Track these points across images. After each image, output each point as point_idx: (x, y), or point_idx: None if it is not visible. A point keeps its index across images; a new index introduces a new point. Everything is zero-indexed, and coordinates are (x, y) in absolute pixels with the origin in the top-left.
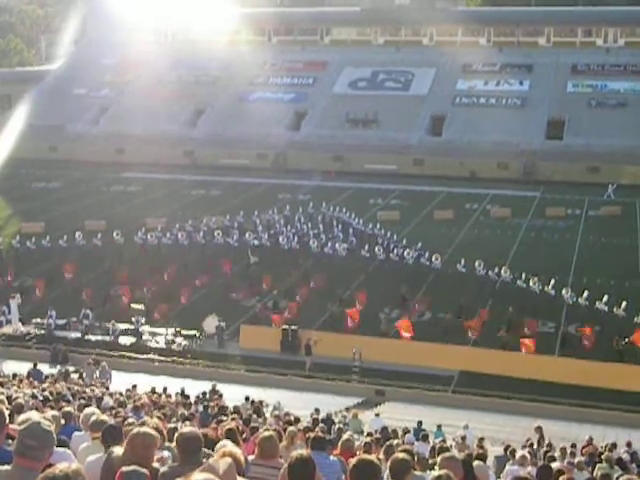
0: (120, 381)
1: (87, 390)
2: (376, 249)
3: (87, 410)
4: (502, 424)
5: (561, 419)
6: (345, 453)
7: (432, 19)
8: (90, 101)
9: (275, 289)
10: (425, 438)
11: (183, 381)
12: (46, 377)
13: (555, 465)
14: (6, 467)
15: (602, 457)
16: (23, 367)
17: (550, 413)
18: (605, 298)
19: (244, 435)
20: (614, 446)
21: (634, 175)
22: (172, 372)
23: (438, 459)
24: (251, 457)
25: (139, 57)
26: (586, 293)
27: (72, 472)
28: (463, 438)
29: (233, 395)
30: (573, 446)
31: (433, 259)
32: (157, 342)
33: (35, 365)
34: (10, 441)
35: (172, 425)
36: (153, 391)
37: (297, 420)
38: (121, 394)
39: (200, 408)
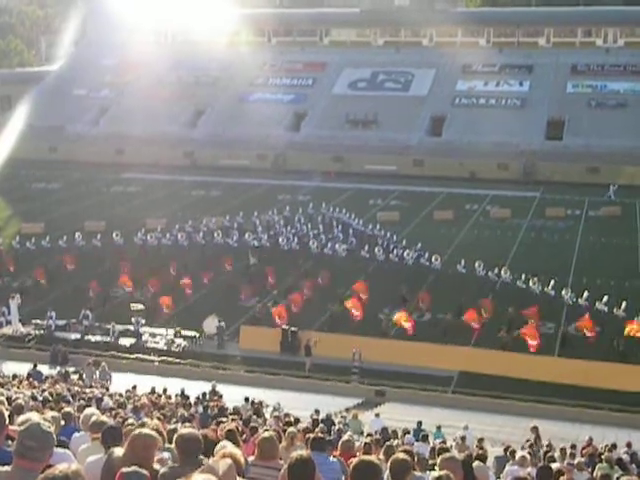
0: (120, 382)
1: (87, 391)
2: (376, 250)
3: (87, 411)
4: (502, 425)
5: (561, 419)
6: (345, 454)
7: (432, 20)
8: (90, 102)
9: (275, 289)
10: (425, 439)
11: (183, 382)
12: (46, 378)
13: (555, 466)
14: (6, 468)
15: (602, 458)
16: (23, 368)
17: (550, 413)
18: (605, 299)
19: (244, 436)
20: (614, 447)
21: (634, 175)
22: (172, 373)
23: (438, 460)
24: (251, 458)
25: (139, 58)
26: (586, 293)
27: (72, 473)
28: (463, 439)
29: (233, 396)
30: (573, 447)
31: (433, 260)
32: (157, 343)
33: (35, 366)
34: (10, 442)
35: (172, 426)
36: (153, 392)
37: (297, 421)
38: (121, 395)
39: (200, 409)
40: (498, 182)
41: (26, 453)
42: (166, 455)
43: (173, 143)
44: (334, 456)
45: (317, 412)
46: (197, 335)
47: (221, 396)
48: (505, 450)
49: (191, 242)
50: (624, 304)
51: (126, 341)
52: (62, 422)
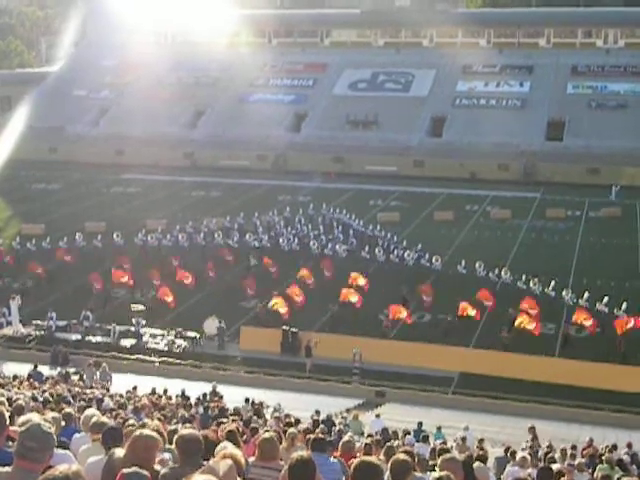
0: (120, 383)
1: (87, 392)
2: (376, 250)
3: (87, 412)
4: (502, 425)
5: (561, 420)
6: (345, 454)
7: (432, 21)
8: (90, 102)
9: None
10: (425, 439)
11: (183, 383)
12: (46, 379)
13: (555, 466)
14: (6, 469)
15: (602, 458)
16: (23, 369)
17: (550, 414)
18: (605, 299)
19: (244, 437)
20: (614, 447)
21: (634, 176)
22: (172, 374)
23: (438, 460)
24: (251, 459)
25: (139, 59)
26: (586, 294)
27: (72, 474)
28: (463, 439)
29: (233, 397)
30: (573, 447)
31: (433, 260)
32: (157, 344)
33: (35, 367)
34: (10, 443)
35: (172, 427)
36: (153, 393)
37: (297, 421)
38: (121, 396)
39: (200, 410)
40: (498, 183)
41: (27, 454)
42: (167, 456)
43: (173, 144)
44: (335, 457)
45: (317, 413)
46: (197, 336)
47: (222, 397)
48: (506, 451)
49: (192, 243)
50: (624, 305)
51: (127, 342)
52: (63, 423)
